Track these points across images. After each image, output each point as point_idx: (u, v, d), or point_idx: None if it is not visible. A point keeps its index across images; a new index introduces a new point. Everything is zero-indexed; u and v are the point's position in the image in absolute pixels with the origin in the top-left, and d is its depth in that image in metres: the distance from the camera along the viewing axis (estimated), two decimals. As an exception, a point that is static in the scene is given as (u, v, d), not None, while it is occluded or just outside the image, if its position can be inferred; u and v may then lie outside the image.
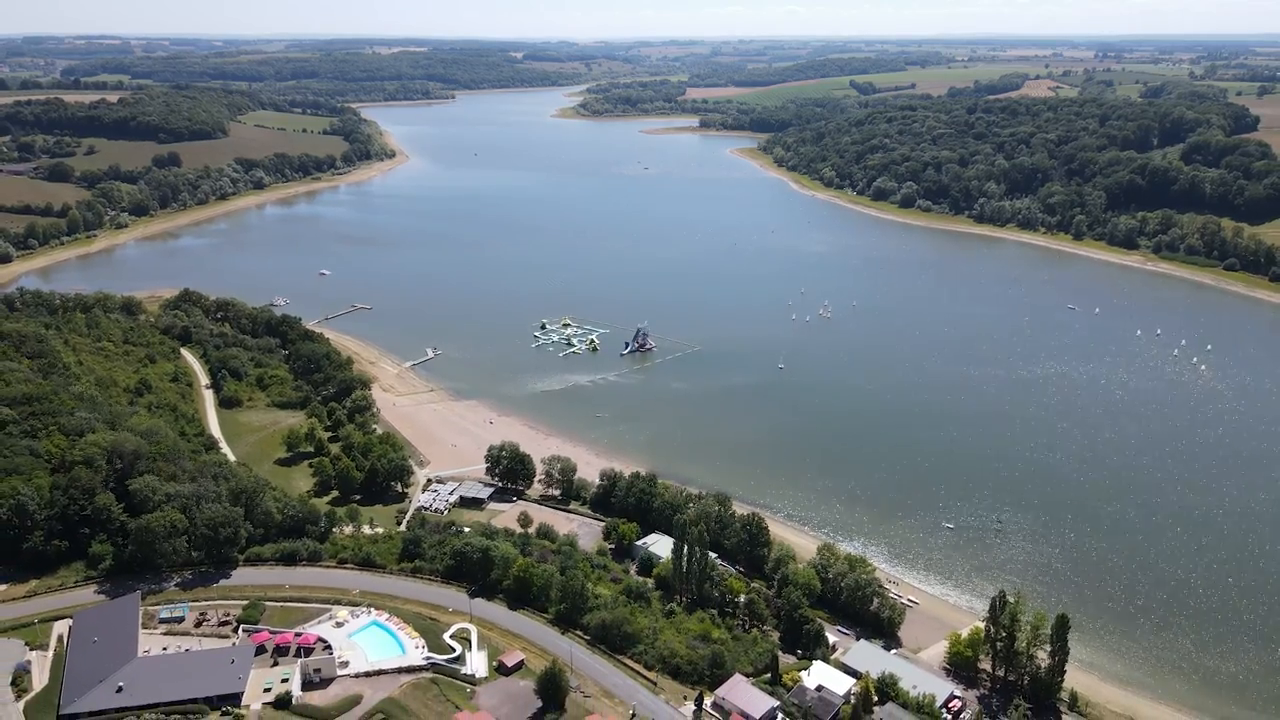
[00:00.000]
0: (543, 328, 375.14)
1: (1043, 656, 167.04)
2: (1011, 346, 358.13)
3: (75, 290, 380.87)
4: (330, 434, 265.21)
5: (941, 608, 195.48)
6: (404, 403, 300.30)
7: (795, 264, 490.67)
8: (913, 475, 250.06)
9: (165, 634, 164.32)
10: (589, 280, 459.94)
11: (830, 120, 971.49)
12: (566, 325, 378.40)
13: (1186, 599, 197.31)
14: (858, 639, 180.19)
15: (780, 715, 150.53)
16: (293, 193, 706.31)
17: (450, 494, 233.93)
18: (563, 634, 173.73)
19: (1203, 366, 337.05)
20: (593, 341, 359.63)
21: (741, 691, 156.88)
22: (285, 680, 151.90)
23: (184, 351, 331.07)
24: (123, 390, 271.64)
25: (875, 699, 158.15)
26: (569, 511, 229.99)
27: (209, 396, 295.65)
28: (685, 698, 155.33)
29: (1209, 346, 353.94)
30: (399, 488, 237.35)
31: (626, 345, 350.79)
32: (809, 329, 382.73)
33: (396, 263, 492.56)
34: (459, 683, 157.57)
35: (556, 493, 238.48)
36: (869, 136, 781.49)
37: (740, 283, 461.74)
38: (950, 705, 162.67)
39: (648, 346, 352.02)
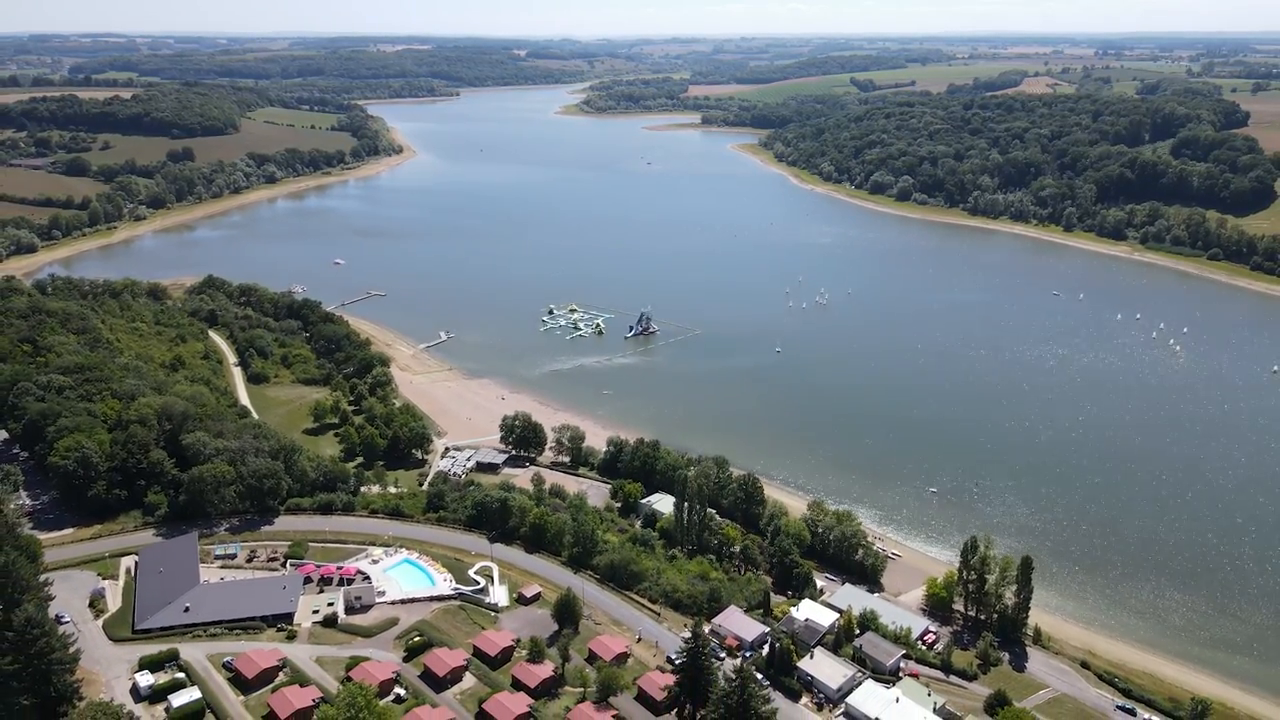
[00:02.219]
0: (550, 313, 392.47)
1: (1010, 596, 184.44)
2: (997, 330, 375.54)
3: (102, 278, 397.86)
4: (353, 407, 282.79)
5: (922, 560, 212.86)
6: (420, 381, 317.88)
7: (793, 254, 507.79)
8: (901, 447, 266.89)
9: (221, 568, 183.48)
10: (595, 269, 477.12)
11: (830, 117, 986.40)
12: (573, 310, 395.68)
13: (1147, 553, 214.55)
14: (843, 584, 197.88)
15: (770, 639, 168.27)
16: (304, 187, 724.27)
17: (468, 460, 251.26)
18: (575, 573, 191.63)
19: (1178, 348, 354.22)
20: (598, 325, 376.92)
21: (736, 619, 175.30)
22: (331, 605, 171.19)
23: (211, 333, 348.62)
24: (159, 365, 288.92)
25: (857, 630, 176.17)
26: (578, 475, 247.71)
27: (238, 373, 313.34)
28: (685, 625, 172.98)
29: (1185, 329, 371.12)
30: (419, 454, 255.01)
31: (631, 329, 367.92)
32: (806, 315, 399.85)
33: (408, 253, 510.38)
34: (484, 610, 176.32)
35: (566, 459, 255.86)
36: (867, 132, 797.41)
37: (740, 272, 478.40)
38: (925, 638, 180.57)
39: (651, 330, 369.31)
